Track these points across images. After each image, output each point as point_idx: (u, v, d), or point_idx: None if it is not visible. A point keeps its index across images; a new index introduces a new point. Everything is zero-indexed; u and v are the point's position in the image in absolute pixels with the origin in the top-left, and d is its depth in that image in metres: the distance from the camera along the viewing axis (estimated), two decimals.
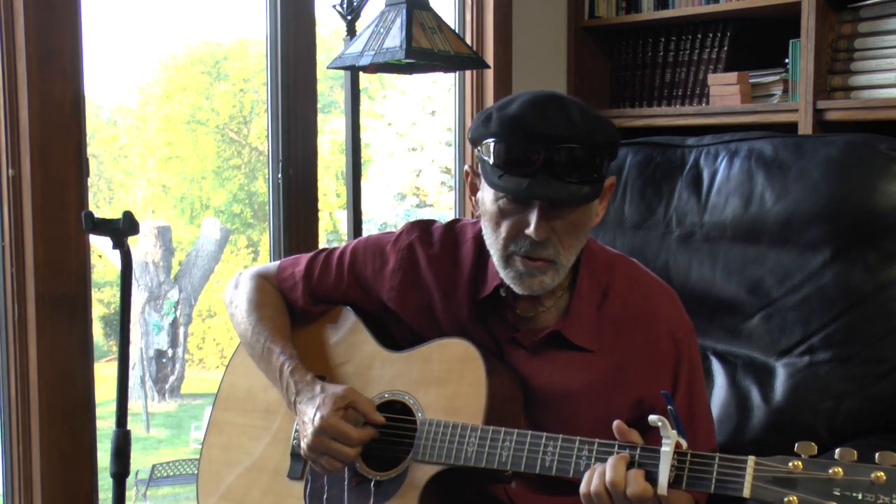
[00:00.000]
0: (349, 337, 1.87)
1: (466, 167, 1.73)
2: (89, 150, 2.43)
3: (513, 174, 1.56)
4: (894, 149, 1.96)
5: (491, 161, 1.59)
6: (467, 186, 1.74)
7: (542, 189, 1.55)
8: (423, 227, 1.85)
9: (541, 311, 1.72)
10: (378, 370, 1.79)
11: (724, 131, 2.27)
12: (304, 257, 1.93)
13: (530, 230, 1.57)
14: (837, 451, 1.32)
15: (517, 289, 1.65)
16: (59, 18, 2.32)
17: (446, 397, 1.68)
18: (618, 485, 1.43)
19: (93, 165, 2.48)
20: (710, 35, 3.30)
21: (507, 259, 1.63)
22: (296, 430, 1.80)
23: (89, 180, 2.42)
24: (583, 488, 1.48)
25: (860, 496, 1.28)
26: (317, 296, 1.90)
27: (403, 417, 1.73)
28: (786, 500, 1.32)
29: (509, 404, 1.68)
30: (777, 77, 3.08)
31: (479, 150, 1.63)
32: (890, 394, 1.91)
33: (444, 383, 1.70)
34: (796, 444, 1.35)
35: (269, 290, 1.92)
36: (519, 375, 1.72)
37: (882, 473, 1.27)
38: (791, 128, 2.95)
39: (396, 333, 1.85)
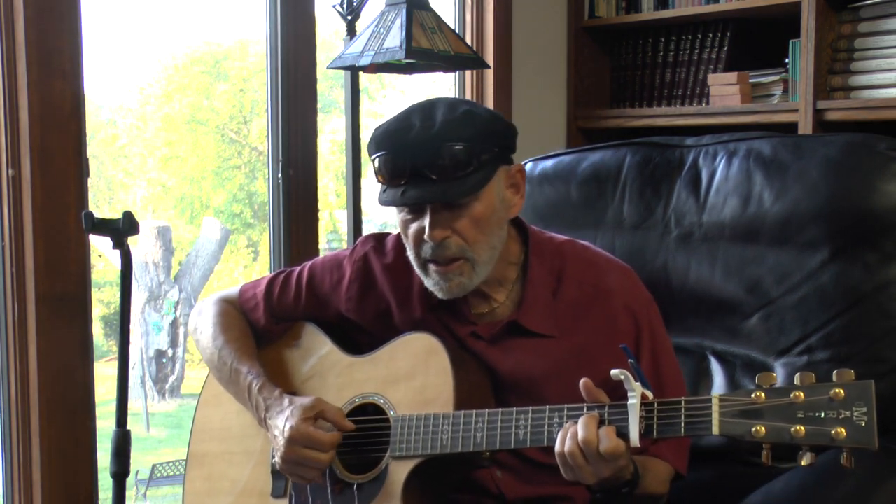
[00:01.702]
0: (313, 350, 1.89)
1: None
2: (89, 150, 2.43)
3: (392, 185, 1.67)
4: (894, 149, 1.96)
5: (377, 178, 1.70)
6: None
7: (414, 192, 1.63)
8: (377, 239, 1.90)
9: (495, 306, 1.77)
10: (346, 377, 1.81)
11: (724, 131, 2.27)
12: (265, 279, 1.97)
13: (426, 234, 1.65)
14: (797, 375, 1.37)
15: (440, 294, 1.71)
16: (59, 18, 2.33)
17: (415, 391, 1.70)
18: (590, 443, 1.46)
19: (93, 165, 2.48)
20: (710, 35, 3.30)
21: (424, 268, 1.70)
22: (273, 447, 1.81)
23: (89, 180, 2.42)
24: (557, 448, 1.50)
25: (823, 414, 1.34)
26: (277, 314, 1.93)
27: (377, 418, 1.73)
28: (753, 430, 1.36)
29: (478, 390, 1.71)
30: (777, 77, 3.08)
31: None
32: (890, 394, 1.91)
33: (411, 378, 1.72)
34: (757, 376, 1.39)
35: (232, 313, 1.95)
36: (484, 363, 1.74)
37: (840, 390, 1.33)
38: (791, 128, 2.95)
39: (359, 341, 1.87)
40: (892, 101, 2.80)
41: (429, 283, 1.71)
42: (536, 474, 1.71)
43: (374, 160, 1.70)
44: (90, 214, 1.60)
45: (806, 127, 2.93)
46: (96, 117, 4.67)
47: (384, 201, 1.69)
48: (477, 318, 1.77)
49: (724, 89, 3.18)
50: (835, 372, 1.35)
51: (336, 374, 1.83)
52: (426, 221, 1.65)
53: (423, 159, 1.63)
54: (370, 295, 1.85)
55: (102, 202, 4.84)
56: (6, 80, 2.30)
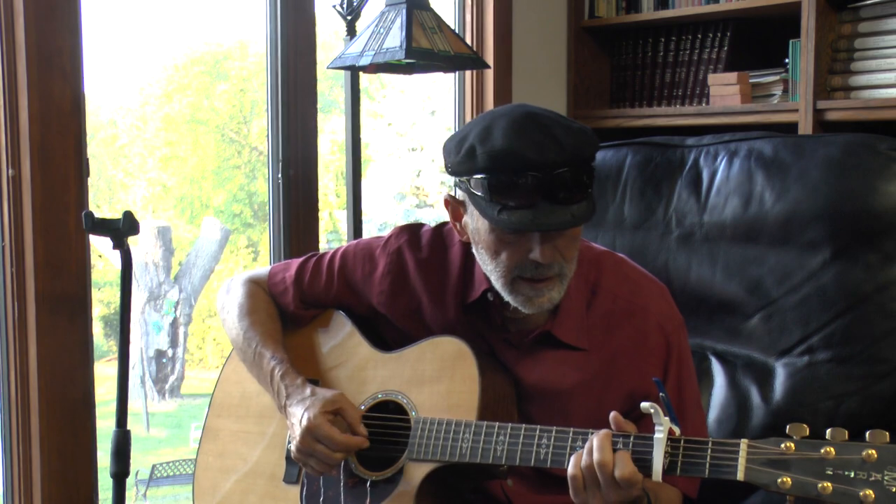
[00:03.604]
0: (341, 340, 1.87)
1: (445, 196, 1.71)
2: (89, 150, 2.43)
3: (512, 208, 1.54)
4: (894, 149, 1.96)
5: (486, 197, 1.56)
6: (448, 212, 1.72)
7: (546, 219, 1.53)
8: (412, 231, 1.84)
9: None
10: (371, 371, 1.80)
11: (724, 131, 2.27)
12: (295, 262, 1.93)
13: (536, 255, 1.57)
14: (829, 430, 1.34)
15: (525, 309, 1.63)
16: (59, 18, 2.33)
17: (439, 395, 1.69)
18: (606, 465, 1.43)
19: (93, 165, 2.48)
20: (710, 35, 3.30)
21: (512, 283, 1.61)
22: (290, 434, 1.81)
23: (89, 180, 2.42)
24: (570, 470, 1.47)
25: (852, 474, 1.30)
26: (307, 300, 1.91)
27: (398, 417, 1.73)
28: (779, 481, 1.34)
29: (502, 401, 1.69)
30: (777, 77, 3.08)
31: (462, 182, 1.61)
32: (890, 394, 1.91)
33: (436, 381, 1.70)
34: (788, 426, 1.36)
35: (260, 295, 1.93)
36: (511, 373, 1.72)
37: (873, 451, 1.29)
38: (791, 128, 2.95)
39: (387, 335, 1.85)
40: (892, 101, 2.80)
41: (515, 299, 1.62)
42: (549, 485, 1.69)
43: (486, 180, 1.55)
44: (90, 214, 1.61)
45: (806, 127, 2.93)
46: (96, 117, 4.67)
47: (509, 225, 1.55)
48: (509, 325, 1.73)
49: (724, 89, 3.17)
50: (868, 432, 1.31)
51: (361, 367, 1.82)
52: (535, 244, 1.56)
53: (557, 182, 1.52)
54: (402, 290, 1.81)
55: (102, 202, 4.84)
56: (6, 80, 2.30)
